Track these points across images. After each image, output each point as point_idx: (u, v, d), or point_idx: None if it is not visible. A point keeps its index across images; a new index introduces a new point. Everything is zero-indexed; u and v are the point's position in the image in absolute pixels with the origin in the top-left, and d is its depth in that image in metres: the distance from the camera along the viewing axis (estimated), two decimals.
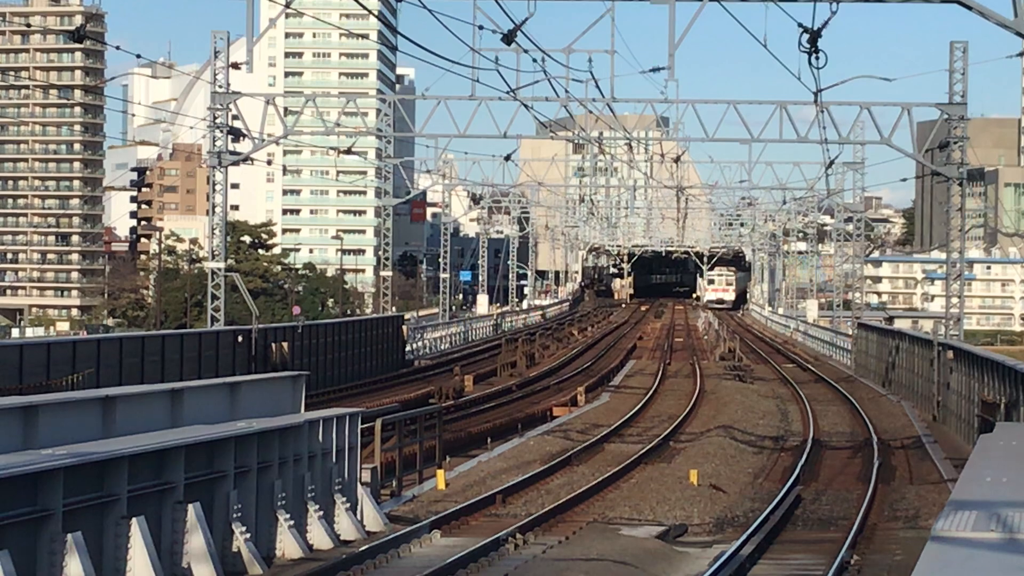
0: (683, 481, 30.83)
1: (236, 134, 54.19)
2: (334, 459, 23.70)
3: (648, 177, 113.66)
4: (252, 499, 21.09)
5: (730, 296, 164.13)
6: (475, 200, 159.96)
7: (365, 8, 24.96)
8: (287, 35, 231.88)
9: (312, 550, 22.10)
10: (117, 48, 43.24)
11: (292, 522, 21.73)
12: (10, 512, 16.22)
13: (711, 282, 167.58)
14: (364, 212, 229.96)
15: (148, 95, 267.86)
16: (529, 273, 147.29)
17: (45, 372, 35.73)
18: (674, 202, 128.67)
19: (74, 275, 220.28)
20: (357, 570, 20.10)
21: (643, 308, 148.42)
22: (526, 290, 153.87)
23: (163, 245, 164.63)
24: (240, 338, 48.19)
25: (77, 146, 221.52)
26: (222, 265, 54.62)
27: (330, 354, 55.80)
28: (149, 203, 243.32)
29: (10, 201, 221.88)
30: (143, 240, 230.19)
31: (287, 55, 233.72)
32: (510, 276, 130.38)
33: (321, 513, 22.62)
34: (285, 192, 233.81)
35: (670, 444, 38.04)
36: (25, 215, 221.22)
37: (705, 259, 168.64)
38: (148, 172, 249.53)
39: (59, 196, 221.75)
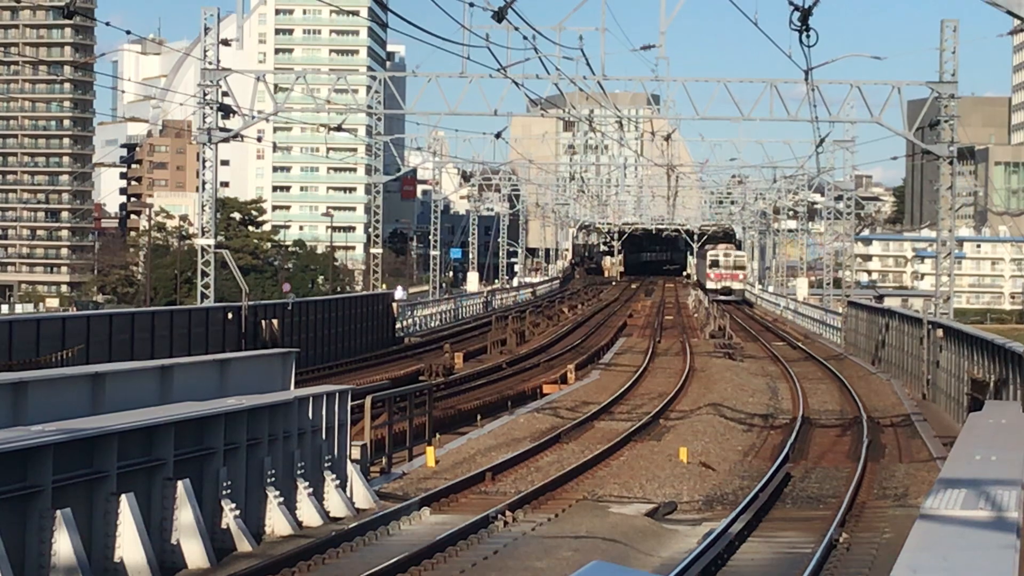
0: (673, 459, 30.86)
1: (226, 111, 54.10)
2: (324, 436, 23.70)
3: (638, 155, 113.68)
4: (242, 476, 21.09)
5: (739, 285, 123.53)
6: (465, 177, 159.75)
7: None
8: (277, 12, 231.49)
9: (301, 527, 22.11)
10: (107, 24, 43.62)
11: (281, 499, 21.73)
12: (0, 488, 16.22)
13: (714, 264, 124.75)
14: (354, 189, 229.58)
15: (138, 71, 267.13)
16: (519, 251, 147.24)
17: (35, 348, 35.67)
18: (664, 180, 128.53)
19: (64, 251, 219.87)
20: (347, 547, 20.11)
21: (633, 286, 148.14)
22: (516, 267, 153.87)
23: (153, 222, 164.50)
24: (230, 315, 48.12)
25: (67, 122, 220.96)
26: (212, 242, 54.56)
27: (320, 331, 55.74)
28: (139, 179, 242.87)
29: (0, 177, 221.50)
30: (133, 216, 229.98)
31: (277, 32, 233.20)
32: (500, 253, 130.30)
33: (311, 490, 22.62)
34: (275, 169, 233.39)
35: (660, 422, 38.04)
36: (15, 191, 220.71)
37: (695, 237, 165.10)
38: (138, 148, 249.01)
39: (49, 172, 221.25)
